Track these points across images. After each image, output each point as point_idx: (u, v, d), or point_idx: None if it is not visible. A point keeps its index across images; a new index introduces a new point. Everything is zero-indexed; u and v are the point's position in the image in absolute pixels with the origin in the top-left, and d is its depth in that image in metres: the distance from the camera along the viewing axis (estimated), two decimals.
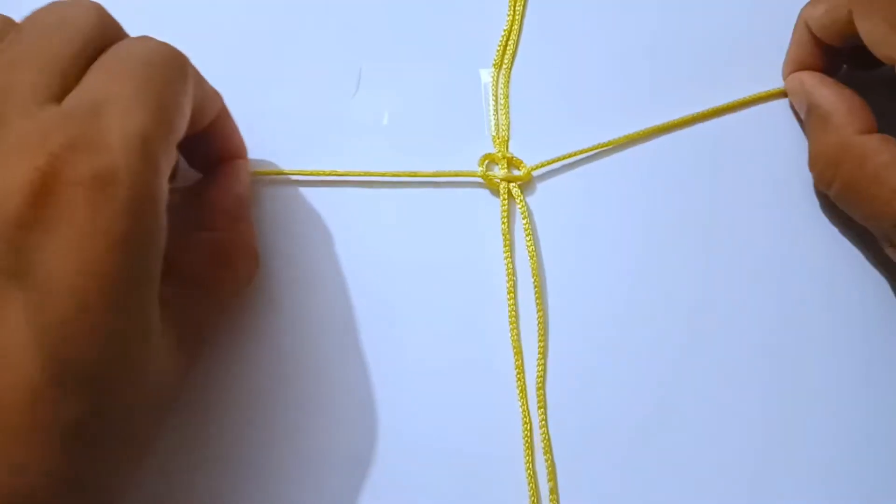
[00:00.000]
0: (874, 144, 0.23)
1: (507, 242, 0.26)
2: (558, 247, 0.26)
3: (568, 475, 0.23)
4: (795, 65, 0.27)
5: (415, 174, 0.26)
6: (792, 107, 0.28)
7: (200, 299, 0.22)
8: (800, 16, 0.27)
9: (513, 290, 0.25)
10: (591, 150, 0.27)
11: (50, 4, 0.20)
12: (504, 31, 0.29)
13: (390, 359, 0.24)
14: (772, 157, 0.27)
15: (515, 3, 0.29)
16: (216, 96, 0.23)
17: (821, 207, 0.26)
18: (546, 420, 0.24)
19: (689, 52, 0.29)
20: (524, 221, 0.26)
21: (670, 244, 0.26)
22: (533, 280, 0.25)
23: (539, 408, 0.24)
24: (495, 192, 0.26)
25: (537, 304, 0.25)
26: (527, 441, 0.23)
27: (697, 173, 0.27)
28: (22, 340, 0.16)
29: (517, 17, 0.29)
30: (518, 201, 0.26)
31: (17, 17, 0.20)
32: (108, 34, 0.20)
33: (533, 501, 0.23)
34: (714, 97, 0.28)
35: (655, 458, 0.23)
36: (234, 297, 0.24)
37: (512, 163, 0.27)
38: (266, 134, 0.27)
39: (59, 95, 0.18)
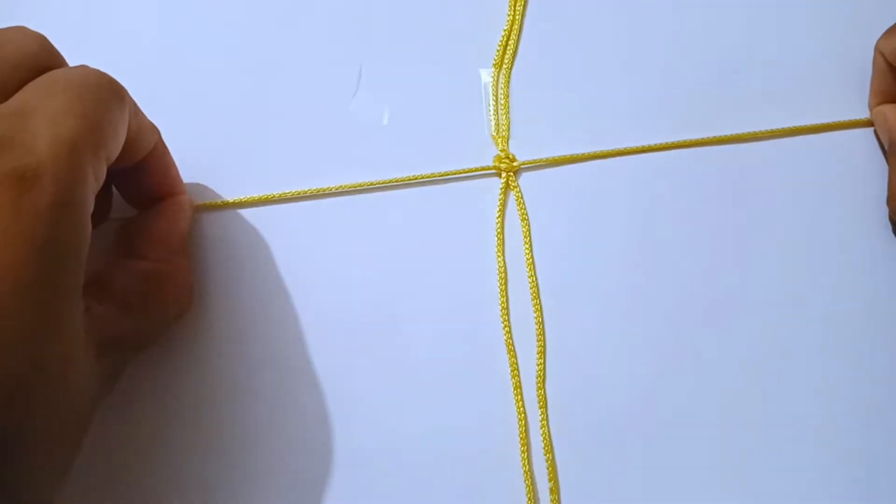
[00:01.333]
0: None
1: (500, 241, 0.26)
2: (554, 246, 0.26)
3: (569, 474, 0.23)
4: (880, 96, 0.27)
5: (391, 182, 0.27)
6: (876, 135, 0.27)
7: (129, 322, 0.22)
8: (875, 47, 0.27)
9: (504, 288, 0.25)
10: (587, 157, 0.27)
11: None
12: (504, 31, 0.29)
13: (386, 360, 0.24)
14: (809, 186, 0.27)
15: (515, 3, 0.29)
16: (153, 129, 0.23)
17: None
18: (547, 419, 0.24)
19: (690, 52, 0.29)
20: (521, 213, 0.26)
21: (677, 248, 0.26)
22: (528, 279, 0.25)
23: (540, 407, 0.24)
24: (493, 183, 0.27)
25: (534, 302, 0.25)
26: (522, 440, 0.23)
27: (701, 185, 0.27)
28: None
29: (517, 17, 0.29)
30: (515, 191, 0.26)
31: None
32: (46, 61, 0.20)
33: (530, 500, 0.23)
34: (717, 101, 0.28)
35: (657, 456, 0.23)
36: (165, 327, 0.24)
37: (510, 158, 0.27)
38: (267, 134, 0.27)
39: None
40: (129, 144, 0.21)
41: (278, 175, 0.27)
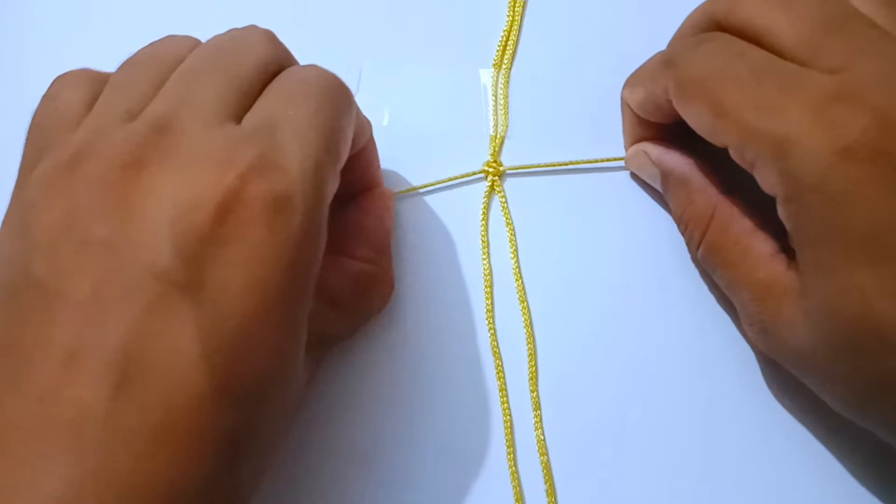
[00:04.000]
0: (739, 208, 0.22)
1: (485, 244, 0.26)
2: (541, 249, 0.26)
3: (564, 476, 0.23)
4: (634, 137, 0.26)
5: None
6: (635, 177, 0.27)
7: (337, 319, 0.23)
8: (622, 97, 0.26)
9: (490, 291, 0.25)
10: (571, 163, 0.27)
11: (227, 31, 0.21)
12: (504, 31, 0.29)
13: (373, 363, 0.24)
14: None
15: (515, 3, 0.29)
16: (368, 125, 0.23)
17: None
18: (541, 421, 0.24)
19: None
20: (505, 217, 0.26)
21: (666, 250, 0.26)
22: (515, 282, 0.25)
23: (534, 409, 0.24)
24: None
25: (521, 305, 0.25)
26: (509, 441, 0.23)
27: None
28: (192, 353, 0.16)
29: (517, 18, 0.29)
30: (499, 195, 0.26)
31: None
32: (280, 59, 0.20)
33: (517, 501, 0.23)
34: None
35: (651, 456, 0.23)
36: (364, 322, 0.24)
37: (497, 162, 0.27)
38: None
39: (238, 113, 0.19)
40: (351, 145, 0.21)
41: None
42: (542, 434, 0.24)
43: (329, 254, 0.22)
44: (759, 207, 0.21)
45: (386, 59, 0.29)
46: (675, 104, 0.22)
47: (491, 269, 0.26)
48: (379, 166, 0.25)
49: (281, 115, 0.18)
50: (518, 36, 0.29)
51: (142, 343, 0.16)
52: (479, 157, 0.27)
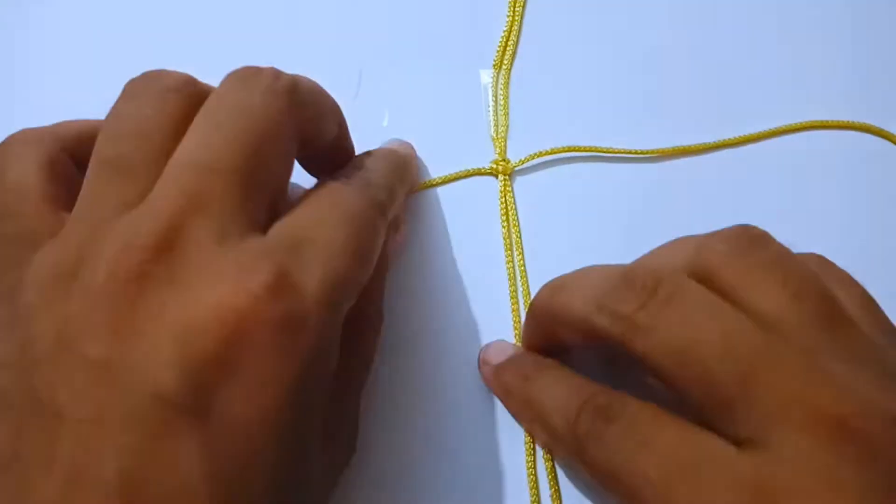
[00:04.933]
0: None
1: (508, 243, 0.26)
2: (550, 248, 0.26)
3: (568, 480, 0.23)
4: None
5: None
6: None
7: (356, 373, 0.22)
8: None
9: (515, 293, 0.25)
10: (583, 149, 0.27)
11: (235, 83, 0.19)
12: (504, 31, 0.29)
13: (392, 361, 0.24)
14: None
15: (515, 3, 0.29)
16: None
17: None
18: None
19: (691, 54, 0.29)
20: (512, 217, 0.26)
21: None
22: (521, 284, 0.25)
23: None
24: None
25: (526, 306, 0.25)
26: (528, 444, 0.23)
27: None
28: (195, 479, 0.15)
29: (517, 18, 0.29)
30: (509, 194, 0.26)
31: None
32: (303, 122, 0.19)
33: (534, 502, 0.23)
34: (717, 103, 0.28)
35: None
36: (374, 355, 0.23)
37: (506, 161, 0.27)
38: None
39: (262, 220, 0.17)
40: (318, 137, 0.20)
41: None
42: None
43: None
44: None
45: (386, 60, 0.28)
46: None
47: (515, 268, 0.25)
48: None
49: (312, 232, 0.17)
50: (518, 36, 0.29)
51: (144, 469, 0.15)
52: (479, 158, 0.27)
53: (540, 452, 0.23)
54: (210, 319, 0.15)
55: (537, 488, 0.23)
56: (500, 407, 0.24)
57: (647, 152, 0.27)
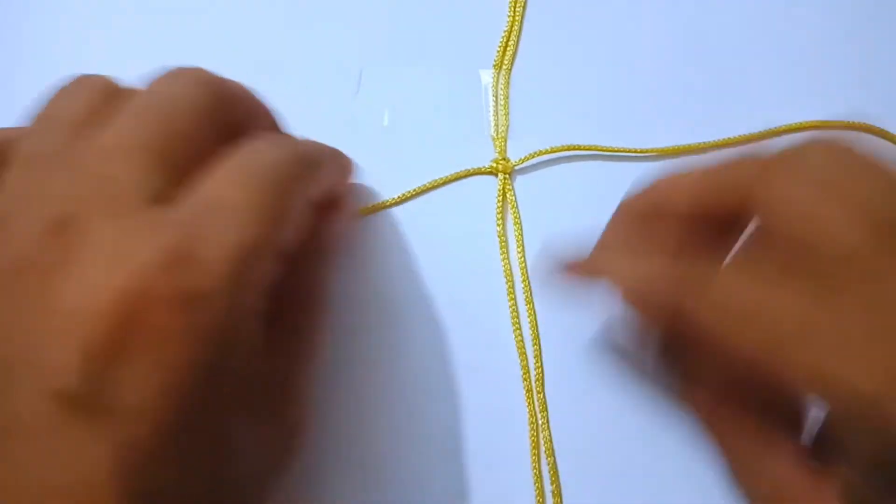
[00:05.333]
0: None
1: (503, 242, 0.26)
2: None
3: (570, 478, 0.23)
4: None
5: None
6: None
7: (297, 354, 0.20)
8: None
9: (512, 289, 0.25)
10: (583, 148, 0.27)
11: (160, 80, 0.19)
12: (504, 31, 0.29)
13: (394, 361, 0.24)
14: None
15: (515, 3, 0.29)
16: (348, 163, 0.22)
17: None
18: (548, 422, 0.24)
19: (691, 54, 0.29)
20: (513, 215, 0.26)
21: None
22: (522, 282, 0.25)
23: (540, 411, 0.24)
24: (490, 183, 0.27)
25: (527, 306, 0.25)
26: (534, 442, 0.23)
27: None
28: (102, 476, 0.14)
29: (517, 18, 0.29)
30: (510, 193, 0.26)
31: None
32: (222, 117, 0.18)
33: (539, 502, 0.23)
34: (718, 103, 0.28)
35: (658, 459, 0.23)
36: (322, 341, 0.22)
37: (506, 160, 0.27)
38: None
39: (169, 191, 0.16)
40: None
41: None
42: (550, 435, 0.24)
43: None
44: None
45: (386, 59, 0.28)
46: (697, 327, 0.19)
47: (511, 268, 0.25)
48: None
49: (222, 196, 0.16)
50: (518, 36, 0.29)
51: (46, 471, 0.14)
52: (479, 157, 0.27)
53: (542, 450, 0.23)
54: (103, 303, 0.15)
55: (542, 486, 0.23)
56: (501, 404, 0.24)
57: (647, 151, 0.27)
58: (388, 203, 0.26)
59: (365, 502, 0.23)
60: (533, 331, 0.25)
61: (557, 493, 0.23)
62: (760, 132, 0.27)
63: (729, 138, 0.27)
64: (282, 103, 0.28)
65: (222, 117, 0.18)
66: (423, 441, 0.23)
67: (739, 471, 0.21)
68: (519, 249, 0.26)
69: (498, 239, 0.26)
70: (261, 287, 0.17)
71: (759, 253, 0.19)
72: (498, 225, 0.26)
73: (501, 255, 0.26)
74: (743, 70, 0.28)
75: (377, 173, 0.26)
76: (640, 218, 0.21)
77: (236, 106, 0.19)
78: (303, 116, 0.27)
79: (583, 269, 0.22)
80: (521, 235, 0.26)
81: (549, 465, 0.23)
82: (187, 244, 0.15)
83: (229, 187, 0.16)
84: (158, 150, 0.17)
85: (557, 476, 0.23)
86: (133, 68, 0.28)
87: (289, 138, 0.19)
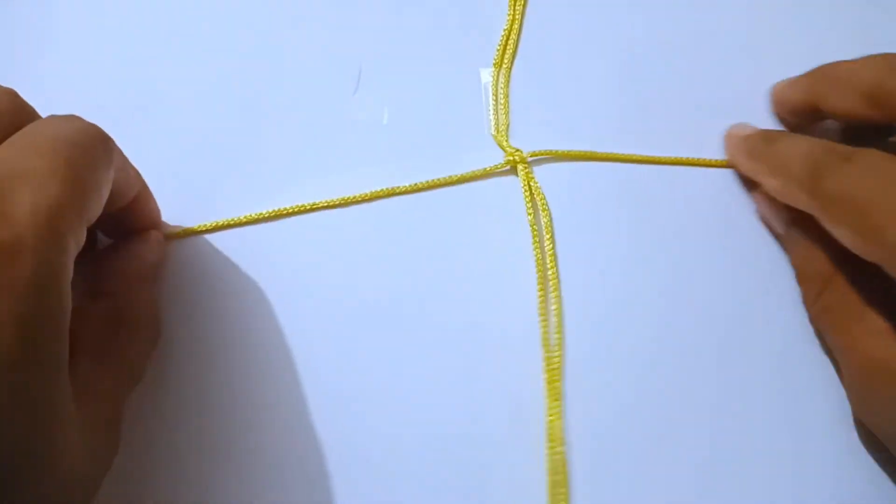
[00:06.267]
0: (859, 276, 0.22)
1: (535, 233, 0.25)
2: (568, 240, 0.26)
3: (581, 469, 0.23)
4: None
5: (401, 190, 0.26)
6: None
7: (98, 372, 0.20)
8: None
9: (542, 280, 0.25)
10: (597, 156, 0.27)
11: None
12: (504, 30, 0.29)
13: (407, 356, 0.24)
14: None
15: (516, 2, 0.29)
16: (137, 178, 0.22)
17: None
18: (560, 412, 0.23)
19: (691, 53, 0.29)
20: (541, 204, 0.26)
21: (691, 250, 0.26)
22: (549, 273, 0.25)
23: (556, 399, 0.23)
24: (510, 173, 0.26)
25: (553, 294, 0.25)
26: (552, 433, 0.23)
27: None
28: None
29: (517, 17, 0.29)
30: (533, 182, 0.26)
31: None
32: (16, 111, 0.19)
33: (552, 493, 0.22)
34: (719, 103, 0.28)
35: (670, 453, 0.23)
36: (144, 364, 0.23)
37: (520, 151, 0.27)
38: (267, 133, 0.27)
39: None
40: (111, 197, 0.20)
41: (281, 173, 0.26)
42: (561, 425, 0.23)
43: (82, 300, 0.21)
44: (879, 280, 0.21)
45: (386, 58, 0.28)
46: (818, 218, 0.22)
47: (545, 260, 0.25)
48: (156, 216, 0.24)
49: (16, 164, 0.17)
50: (518, 35, 0.29)
51: None
52: (479, 156, 0.27)
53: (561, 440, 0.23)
54: None
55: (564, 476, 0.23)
56: (517, 398, 0.23)
57: (653, 158, 0.27)
58: (397, 190, 0.26)
59: (378, 491, 0.22)
60: (557, 320, 0.24)
61: (563, 483, 0.22)
62: None
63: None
64: (281, 102, 0.28)
65: (16, 115, 0.19)
66: (439, 438, 0.23)
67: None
68: (548, 235, 0.25)
69: (530, 229, 0.25)
70: (71, 251, 0.17)
71: None
72: (529, 213, 0.26)
73: (534, 244, 0.25)
74: (743, 70, 0.28)
75: (377, 172, 0.26)
76: (821, 84, 0.25)
77: (32, 113, 0.20)
78: (302, 115, 0.27)
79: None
80: (551, 223, 0.26)
81: (560, 455, 0.23)
82: None
83: (27, 154, 0.17)
84: None
85: (565, 466, 0.23)
86: (133, 68, 0.28)
87: (75, 117, 0.20)
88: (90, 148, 0.19)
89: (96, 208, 0.19)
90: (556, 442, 0.23)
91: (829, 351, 0.24)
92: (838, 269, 0.23)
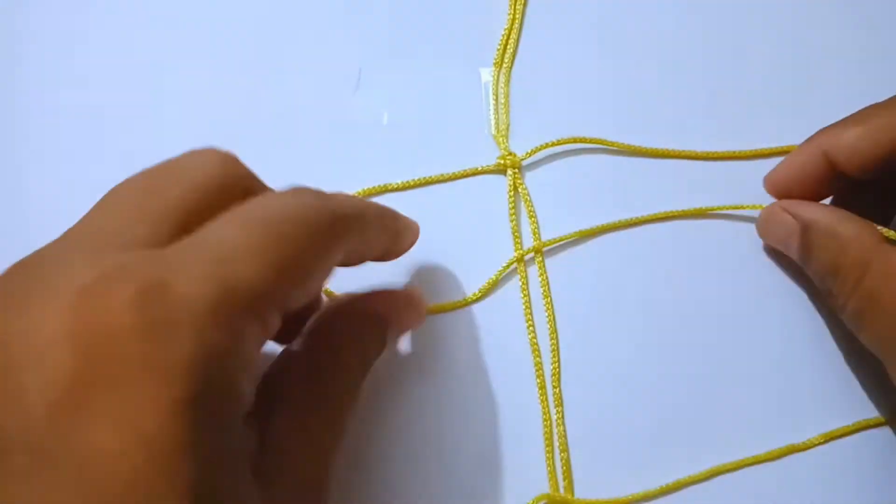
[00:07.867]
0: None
1: (517, 238, 0.26)
2: (562, 245, 0.26)
3: (583, 473, 0.23)
4: (784, 191, 0.25)
5: (392, 187, 0.26)
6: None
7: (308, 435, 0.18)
8: (813, 142, 0.24)
9: (525, 286, 0.25)
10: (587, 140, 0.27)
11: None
12: (504, 30, 0.29)
13: (406, 356, 0.24)
14: None
15: (515, 2, 0.29)
16: (397, 239, 0.21)
17: None
18: (563, 418, 0.24)
19: (691, 53, 0.29)
20: (528, 210, 0.26)
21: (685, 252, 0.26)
22: (539, 277, 0.25)
23: (556, 406, 0.24)
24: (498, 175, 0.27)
25: (545, 300, 0.25)
26: (547, 438, 0.23)
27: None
28: None
29: (517, 16, 0.29)
30: (521, 188, 0.26)
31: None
32: (238, 179, 0.17)
33: (552, 497, 0.22)
34: (719, 103, 0.28)
35: (668, 456, 0.23)
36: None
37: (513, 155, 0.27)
38: (266, 134, 0.27)
39: (160, 240, 0.16)
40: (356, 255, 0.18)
41: (281, 173, 0.26)
42: (564, 431, 0.23)
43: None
44: None
45: (386, 58, 0.28)
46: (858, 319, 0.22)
47: (525, 264, 0.25)
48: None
49: (218, 235, 0.15)
50: (519, 34, 0.29)
51: None
52: (479, 156, 0.27)
53: (556, 445, 0.23)
54: (56, 335, 0.13)
55: (556, 482, 0.23)
56: (515, 399, 0.24)
57: (650, 151, 0.27)
58: (390, 187, 0.26)
59: (378, 499, 0.22)
60: (551, 325, 0.25)
61: (569, 489, 0.23)
62: (766, 150, 0.27)
63: (734, 152, 0.27)
64: (281, 101, 0.28)
65: (235, 179, 0.18)
66: (436, 437, 0.23)
67: None
68: (536, 239, 0.26)
69: (512, 234, 0.26)
70: (251, 337, 0.15)
71: None
72: (511, 220, 0.26)
73: (515, 249, 0.26)
74: (743, 69, 0.29)
75: (377, 172, 0.26)
76: (822, 157, 0.23)
77: (250, 178, 0.18)
78: (302, 115, 0.27)
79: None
80: (538, 229, 0.26)
81: (562, 460, 0.23)
82: (160, 276, 0.14)
83: (226, 227, 0.16)
84: (147, 198, 0.16)
85: (570, 471, 0.23)
86: (133, 69, 0.28)
87: (319, 192, 0.18)
88: (319, 229, 0.17)
89: (300, 296, 0.17)
90: (562, 447, 0.23)
91: (865, 349, 0.23)
92: (874, 254, 0.21)
